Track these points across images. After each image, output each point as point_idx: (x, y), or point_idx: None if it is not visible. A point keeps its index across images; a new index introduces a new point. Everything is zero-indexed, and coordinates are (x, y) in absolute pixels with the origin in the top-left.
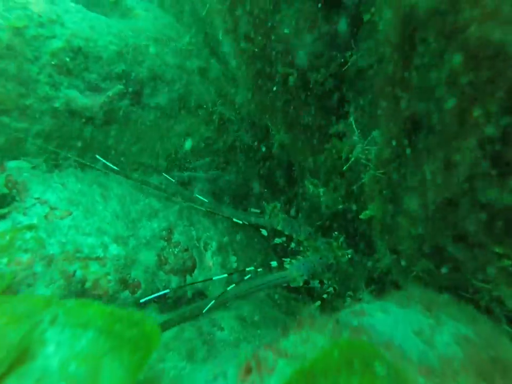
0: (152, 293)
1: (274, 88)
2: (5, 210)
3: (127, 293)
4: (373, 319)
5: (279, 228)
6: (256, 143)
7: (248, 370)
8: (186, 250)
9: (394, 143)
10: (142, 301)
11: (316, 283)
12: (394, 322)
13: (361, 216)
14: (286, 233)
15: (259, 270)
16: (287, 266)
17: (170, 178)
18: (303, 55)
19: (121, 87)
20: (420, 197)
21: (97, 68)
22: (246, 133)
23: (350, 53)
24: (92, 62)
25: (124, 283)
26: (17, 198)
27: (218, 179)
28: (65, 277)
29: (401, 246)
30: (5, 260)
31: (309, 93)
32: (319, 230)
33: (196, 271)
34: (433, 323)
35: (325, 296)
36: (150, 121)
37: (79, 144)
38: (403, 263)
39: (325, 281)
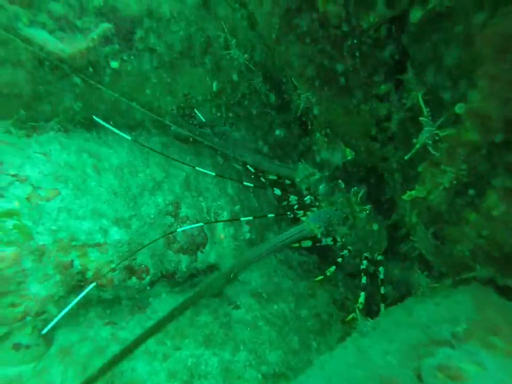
0: None
1: (309, 33)
2: None
3: (134, 279)
4: None
5: (297, 179)
6: (273, 98)
7: None
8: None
9: (496, 125)
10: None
11: (328, 240)
12: None
13: (404, 197)
14: (305, 187)
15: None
16: (303, 219)
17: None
18: None
19: (109, 25)
20: None
21: None
22: (263, 84)
23: None
24: None
25: (130, 270)
26: None
27: (227, 135)
28: (62, 270)
29: (457, 243)
30: None
31: (355, 41)
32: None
33: (207, 246)
34: None
35: (339, 260)
36: (145, 72)
37: (62, 103)
38: (460, 260)
39: (338, 238)
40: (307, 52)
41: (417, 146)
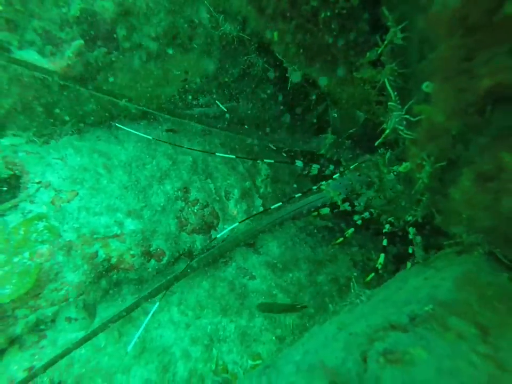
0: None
1: (281, 12)
2: (11, 203)
3: (153, 262)
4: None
5: (322, 151)
6: (271, 68)
7: None
8: (206, 206)
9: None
10: (219, 235)
11: (346, 206)
12: None
13: (400, 169)
14: (328, 156)
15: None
16: (323, 187)
17: (222, 106)
18: None
19: (81, 42)
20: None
21: (45, 13)
22: (258, 56)
23: None
24: (33, 4)
25: (148, 254)
26: (22, 182)
27: (233, 112)
28: (88, 260)
29: (450, 215)
30: (26, 254)
31: (329, 14)
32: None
33: (219, 225)
34: None
35: (359, 222)
36: (137, 67)
37: (67, 111)
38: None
39: (362, 203)
40: (284, 29)
41: (387, 131)
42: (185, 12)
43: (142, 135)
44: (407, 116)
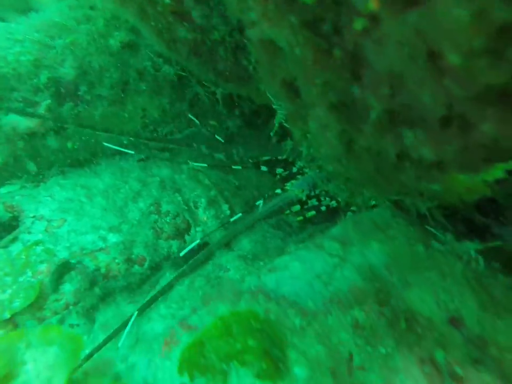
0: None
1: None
2: (12, 236)
3: (136, 267)
4: (282, 273)
5: (284, 156)
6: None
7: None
8: (177, 215)
9: None
10: (181, 254)
11: (314, 201)
12: (303, 271)
13: None
14: (290, 160)
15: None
16: (287, 187)
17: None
18: None
19: (48, 101)
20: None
21: (23, 85)
22: (201, 87)
23: None
24: (14, 81)
25: (131, 261)
26: (20, 219)
27: (194, 136)
28: (80, 272)
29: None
30: (29, 273)
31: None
32: None
33: (191, 230)
34: (337, 261)
35: (323, 208)
36: (100, 113)
37: (45, 157)
38: None
39: (321, 197)
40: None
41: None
42: (130, 63)
43: (132, 152)
44: None
